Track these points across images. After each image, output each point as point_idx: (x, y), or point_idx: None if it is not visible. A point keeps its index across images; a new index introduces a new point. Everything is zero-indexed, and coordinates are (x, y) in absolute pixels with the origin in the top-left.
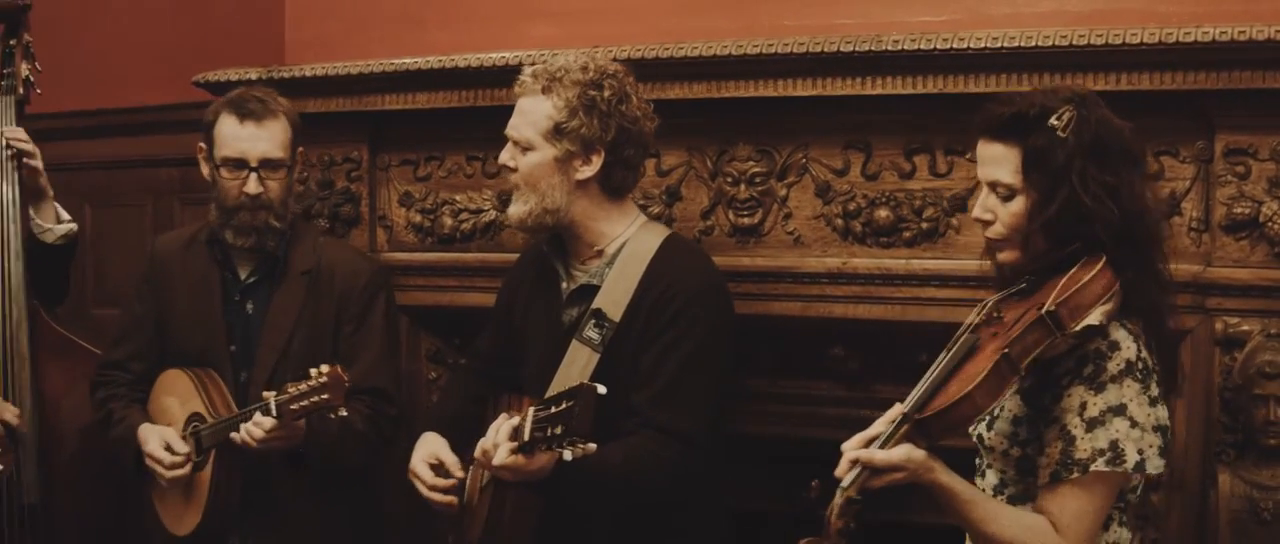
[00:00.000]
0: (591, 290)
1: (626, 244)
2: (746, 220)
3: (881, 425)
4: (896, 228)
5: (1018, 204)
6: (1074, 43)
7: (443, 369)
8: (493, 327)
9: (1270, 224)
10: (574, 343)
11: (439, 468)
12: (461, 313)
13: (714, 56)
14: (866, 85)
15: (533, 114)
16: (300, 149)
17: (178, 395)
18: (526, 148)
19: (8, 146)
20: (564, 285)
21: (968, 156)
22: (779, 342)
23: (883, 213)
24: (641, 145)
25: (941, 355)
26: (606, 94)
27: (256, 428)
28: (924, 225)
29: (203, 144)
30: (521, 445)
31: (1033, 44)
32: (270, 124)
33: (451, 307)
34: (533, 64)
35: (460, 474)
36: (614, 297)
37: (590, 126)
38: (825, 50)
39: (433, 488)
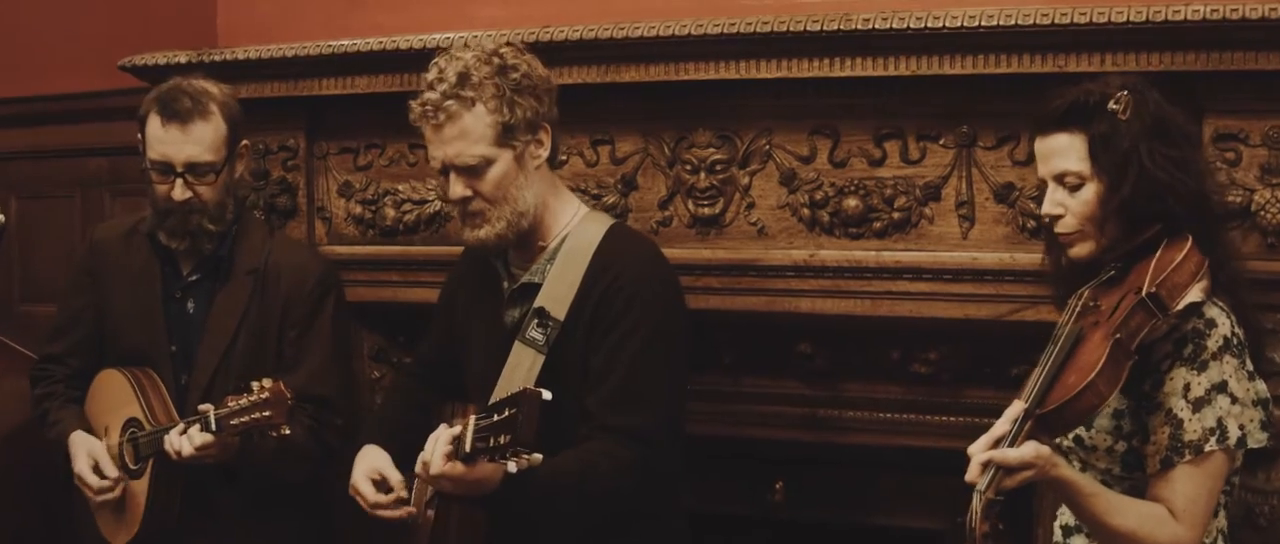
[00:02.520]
0: (533, 288)
1: (568, 237)
2: (707, 210)
3: (1004, 424)
4: (866, 218)
5: (1089, 192)
6: (1056, 21)
7: (387, 369)
8: (434, 330)
9: (1263, 213)
10: (517, 345)
11: (382, 483)
12: (406, 309)
13: (671, 36)
14: (834, 67)
15: (473, 131)
16: (244, 143)
17: (114, 398)
18: (485, 165)
19: None
20: (505, 284)
21: (941, 142)
22: (741, 338)
23: (852, 202)
24: (556, 104)
25: (1048, 348)
26: (520, 67)
27: (186, 443)
28: (896, 215)
29: (140, 136)
30: (463, 456)
31: (1012, 22)
32: (197, 126)
33: (395, 303)
34: (417, 97)
35: (403, 492)
36: (557, 293)
37: (528, 108)
38: (790, 29)
39: (376, 505)
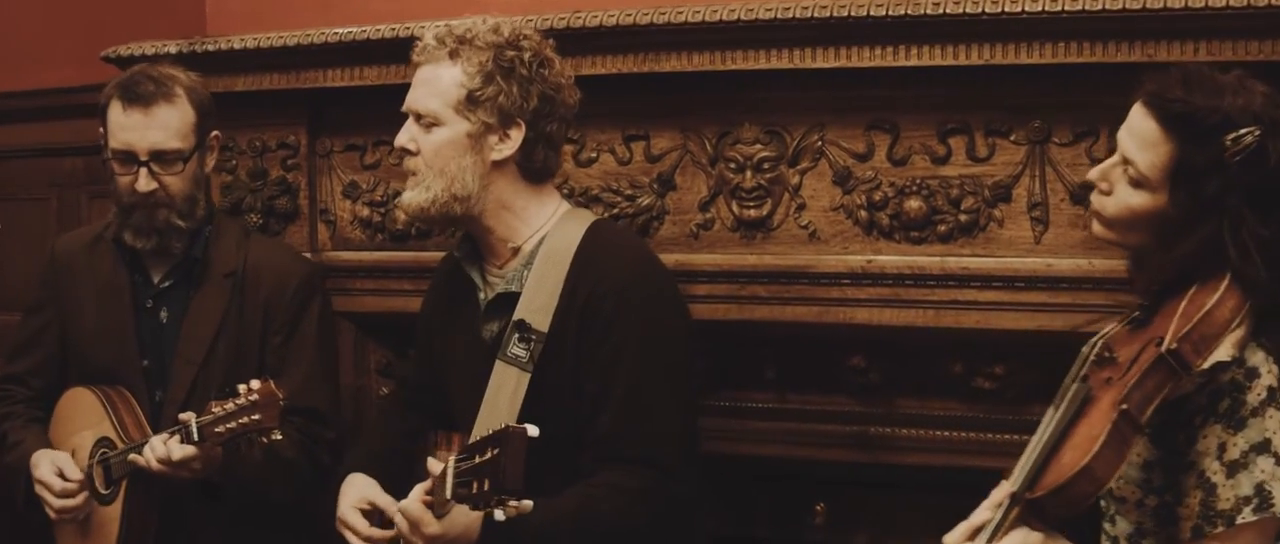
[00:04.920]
0: (511, 298)
1: (545, 239)
2: (753, 213)
3: (986, 511)
4: (929, 221)
5: (1141, 199)
6: (1147, 6)
7: (396, 384)
8: (417, 350)
9: None
10: (499, 363)
11: (372, 513)
12: (416, 321)
13: (718, 22)
14: (894, 56)
15: (438, 83)
16: (215, 133)
17: (83, 418)
18: (432, 124)
19: None
20: (481, 295)
21: (1012, 138)
22: (789, 352)
23: (913, 204)
24: (565, 120)
25: (1049, 413)
26: (526, 56)
27: (171, 451)
28: (961, 218)
29: (102, 129)
30: (437, 507)
31: (1099, 7)
32: (162, 110)
33: (405, 313)
34: (436, 30)
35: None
36: (537, 303)
37: (509, 94)
38: (849, 14)
39: (369, 540)
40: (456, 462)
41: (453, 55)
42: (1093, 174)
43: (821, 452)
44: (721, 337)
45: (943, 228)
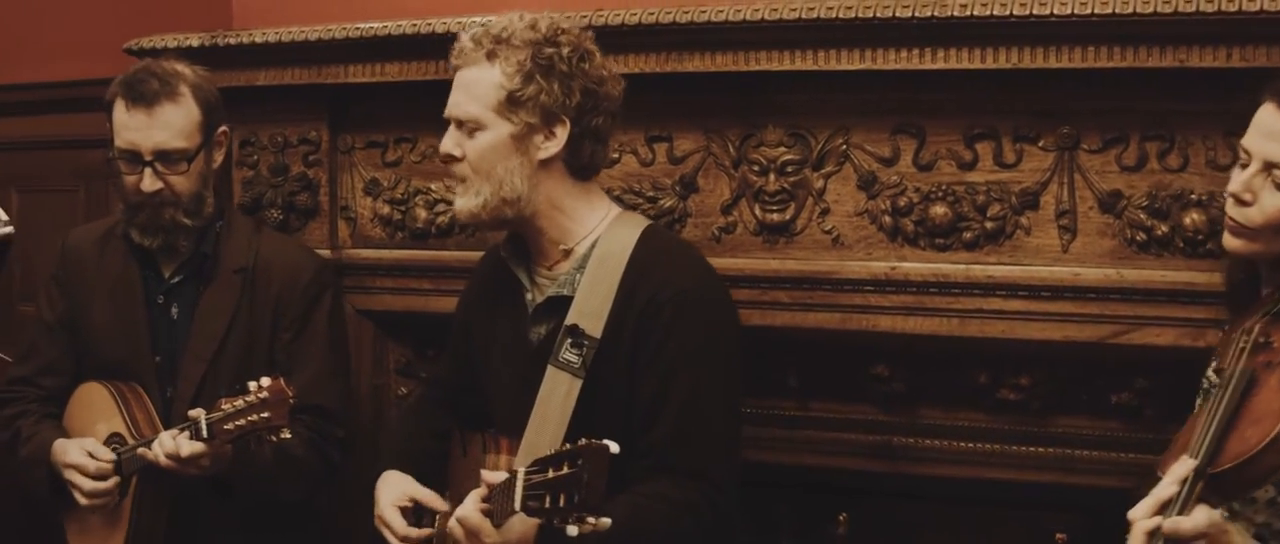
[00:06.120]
0: (562, 302)
1: (598, 241)
2: (776, 216)
3: (1171, 485)
4: (955, 228)
5: None
6: (1179, 10)
7: (416, 384)
8: (451, 349)
9: None
10: (550, 368)
11: (411, 510)
12: (437, 320)
13: (741, 22)
14: (921, 58)
15: (479, 86)
16: (223, 129)
17: (95, 412)
18: (475, 128)
19: None
20: (529, 297)
21: (1040, 144)
22: (811, 359)
23: (939, 210)
24: (610, 112)
25: (1210, 392)
26: (565, 52)
27: (180, 447)
28: (988, 225)
29: (109, 125)
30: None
31: (1130, 11)
32: (165, 109)
33: (425, 312)
34: (470, 28)
35: (444, 506)
36: (591, 308)
37: (550, 92)
38: (874, 16)
39: (406, 539)
40: (527, 473)
41: (490, 56)
42: (1234, 187)
43: (844, 461)
44: (743, 342)
45: (968, 235)
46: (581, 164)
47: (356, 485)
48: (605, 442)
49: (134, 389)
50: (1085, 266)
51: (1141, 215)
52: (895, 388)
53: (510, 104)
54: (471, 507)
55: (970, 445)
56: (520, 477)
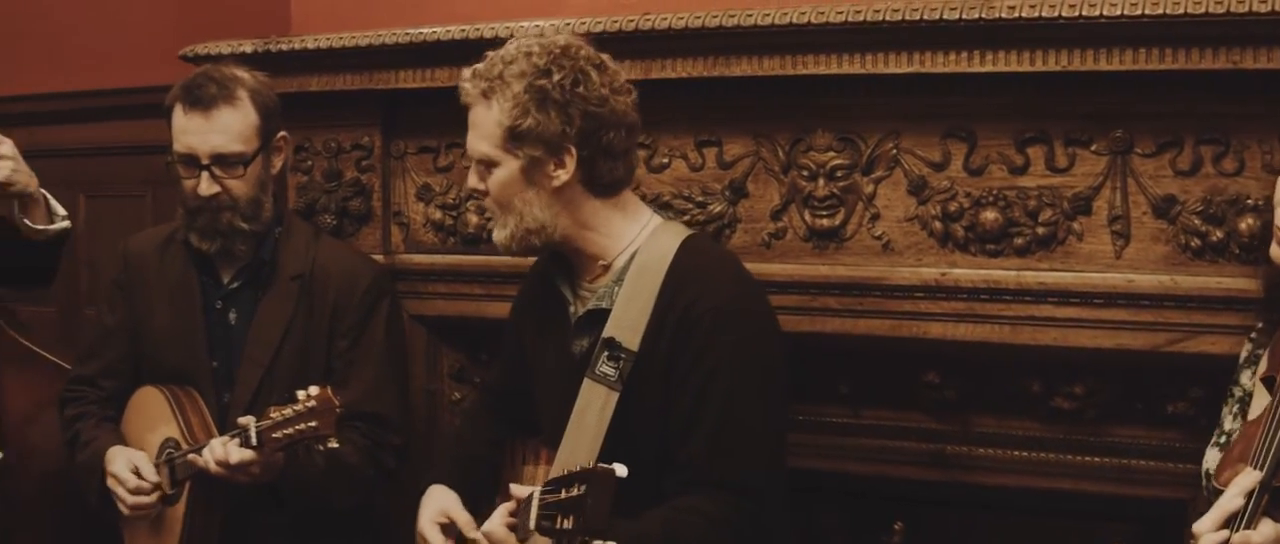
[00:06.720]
0: (602, 315)
1: (637, 253)
2: (825, 222)
3: (1236, 498)
4: (1006, 233)
5: None
6: (1232, 11)
7: (469, 389)
8: (504, 357)
9: None
10: (587, 381)
11: (449, 527)
12: (489, 325)
13: (788, 26)
14: (971, 61)
15: (484, 125)
16: (282, 134)
17: (152, 417)
18: (490, 164)
19: None
20: (572, 309)
21: (1093, 148)
22: (862, 366)
23: (990, 215)
24: (622, 126)
25: (1267, 403)
26: (557, 79)
27: (229, 454)
28: (1040, 231)
29: (168, 129)
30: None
31: (1181, 12)
32: (223, 113)
33: (478, 318)
34: (473, 68)
35: (475, 534)
36: (628, 321)
37: (549, 122)
38: (923, 19)
39: None
40: (542, 492)
41: (486, 94)
42: None
43: (897, 469)
44: (792, 349)
45: (1020, 241)
46: (602, 183)
47: (413, 492)
48: (612, 465)
49: (190, 394)
50: (1139, 273)
51: (1196, 221)
52: (947, 395)
53: (512, 139)
54: (498, 521)
55: (1024, 454)
56: (537, 495)
